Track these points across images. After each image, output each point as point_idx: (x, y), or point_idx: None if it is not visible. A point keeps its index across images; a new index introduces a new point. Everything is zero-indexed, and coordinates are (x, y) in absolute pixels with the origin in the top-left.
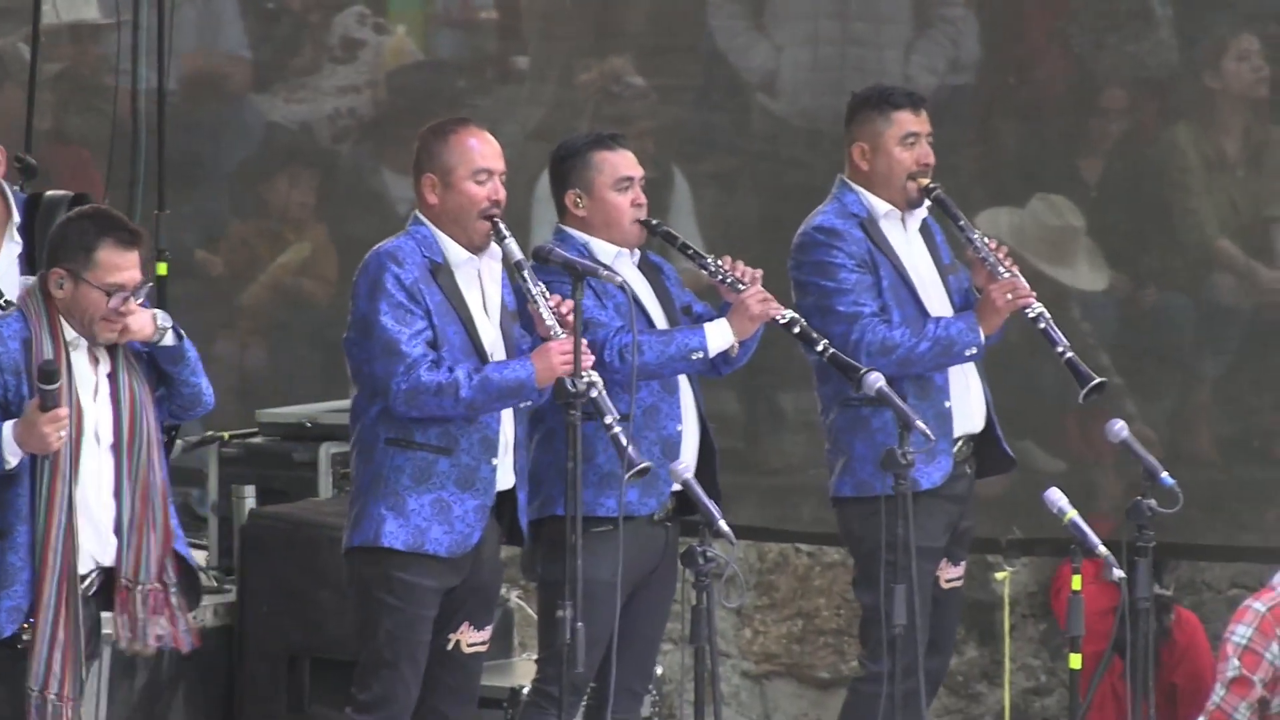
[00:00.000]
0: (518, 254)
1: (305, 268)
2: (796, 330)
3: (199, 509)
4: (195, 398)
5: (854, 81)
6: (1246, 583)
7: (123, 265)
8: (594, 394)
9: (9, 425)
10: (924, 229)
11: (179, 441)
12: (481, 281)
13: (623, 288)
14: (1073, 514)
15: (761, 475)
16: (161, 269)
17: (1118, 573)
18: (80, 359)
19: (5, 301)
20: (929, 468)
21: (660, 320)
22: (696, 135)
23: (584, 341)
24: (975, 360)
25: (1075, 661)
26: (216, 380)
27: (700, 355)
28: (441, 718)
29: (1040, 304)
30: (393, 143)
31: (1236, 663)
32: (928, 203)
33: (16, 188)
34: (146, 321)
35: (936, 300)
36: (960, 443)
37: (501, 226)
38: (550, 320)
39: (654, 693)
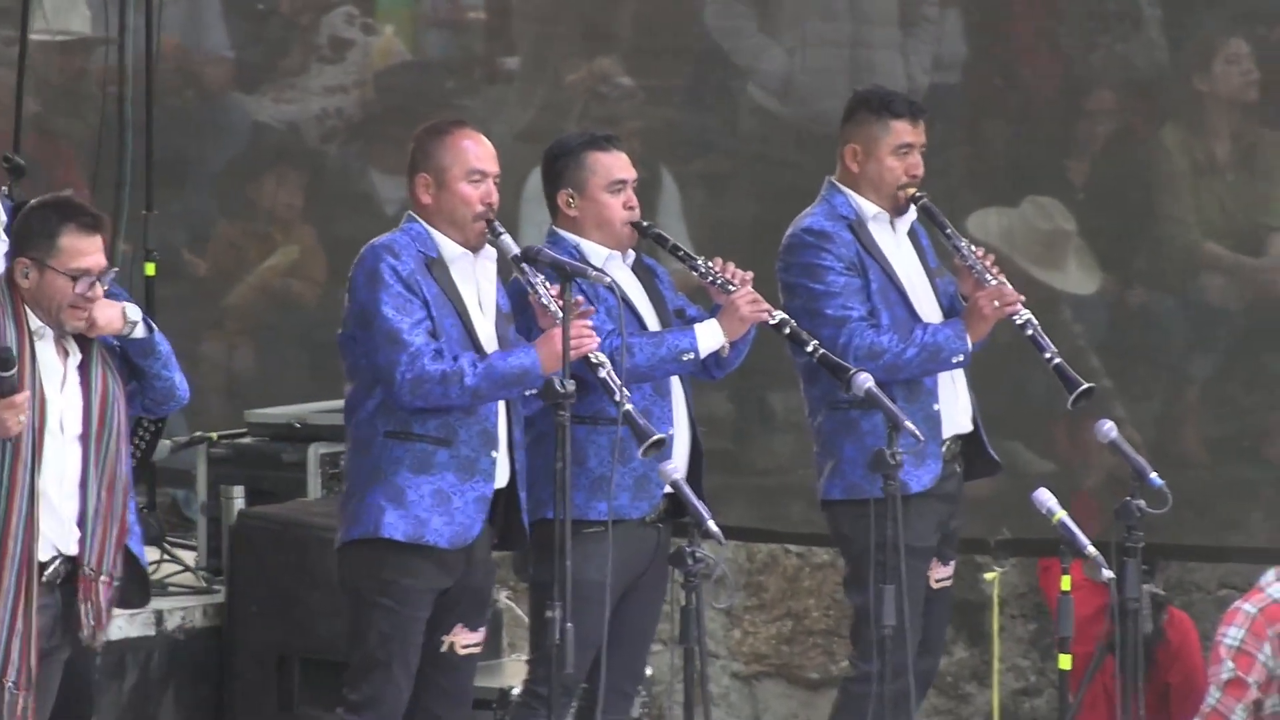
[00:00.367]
0: (514, 249)
1: (293, 268)
2: (786, 331)
3: (187, 510)
4: (168, 391)
5: (862, 84)
6: (1235, 583)
7: (86, 250)
8: (602, 374)
9: None
10: (911, 233)
11: (167, 442)
12: (476, 279)
13: (611, 288)
14: (1062, 514)
15: (751, 476)
16: (149, 269)
17: (1107, 573)
18: (46, 349)
19: None
20: (918, 470)
21: (653, 323)
22: (685, 136)
23: (589, 323)
24: (962, 366)
25: (1065, 662)
26: (204, 381)
27: (691, 356)
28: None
29: (1028, 310)
30: (381, 143)
31: (1231, 664)
32: (914, 209)
33: (4, 189)
34: (115, 315)
35: (925, 303)
36: (949, 442)
37: (496, 225)
38: (553, 308)
39: (644, 693)
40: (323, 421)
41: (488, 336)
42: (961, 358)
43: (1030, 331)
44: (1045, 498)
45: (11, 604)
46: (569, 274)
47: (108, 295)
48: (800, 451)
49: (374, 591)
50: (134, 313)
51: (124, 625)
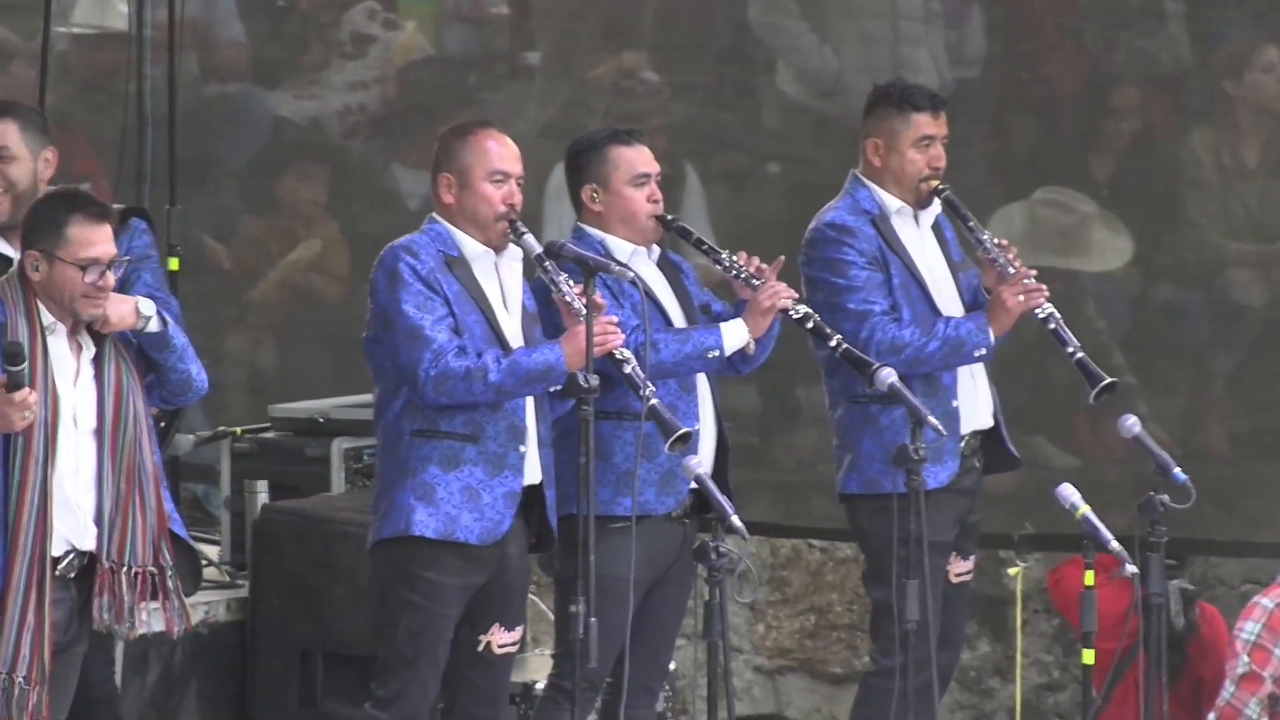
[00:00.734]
0: (537, 248)
1: (316, 263)
2: (809, 326)
3: (209, 506)
4: (185, 383)
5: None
6: (1259, 578)
7: (95, 240)
8: (627, 369)
9: None
10: (935, 226)
11: (190, 436)
12: (500, 277)
13: (634, 282)
14: (1085, 509)
15: (774, 471)
16: (173, 264)
17: (1130, 568)
18: (59, 344)
19: None
20: (936, 467)
21: (679, 319)
22: (709, 132)
23: (614, 318)
24: (984, 361)
25: (1088, 657)
26: (228, 376)
27: (716, 354)
28: (471, 719)
29: (1051, 304)
30: (403, 138)
31: (1246, 659)
32: (938, 202)
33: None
34: (129, 310)
35: (947, 298)
36: (968, 438)
37: (519, 224)
38: (577, 305)
39: (667, 688)
40: (346, 416)
41: (513, 334)
42: (984, 351)
43: (1053, 325)
44: (1068, 492)
45: (22, 599)
46: (592, 269)
47: (144, 292)
48: (823, 446)
49: (403, 588)
50: (147, 307)
51: (147, 619)
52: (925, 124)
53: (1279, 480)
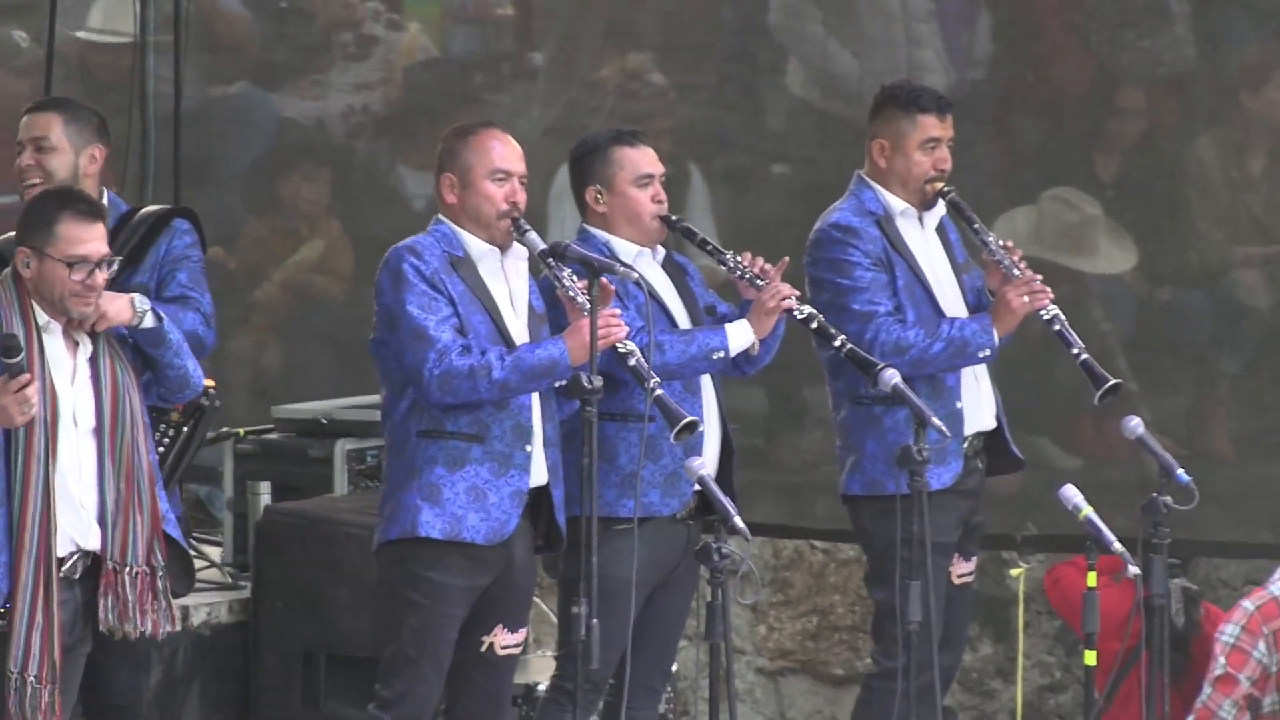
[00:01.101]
0: (540, 245)
1: (320, 264)
2: (814, 326)
3: (211, 507)
4: (182, 380)
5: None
6: (1261, 580)
7: (84, 238)
8: (631, 362)
9: None
10: (939, 227)
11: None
12: (506, 276)
13: (639, 283)
14: (1088, 510)
15: (779, 472)
16: None
17: (1133, 569)
18: (54, 342)
19: None
20: (939, 469)
21: (683, 320)
22: (713, 133)
23: (616, 311)
24: (989, 362)
25: (1090, 658)
26: (231, 377)
27: (721, 355)
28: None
29: (1055, 306)
30: (408, 139)
31: (1223, 660)
32: (942, 204)
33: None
34: (124, 305)
35: (951, 300)
36: (971, 439)
37: (522, 222)
38: (582, 300)
39: (669, 689)
40: (349, 417)
41: (519, 334)
42: (988, 353)
43: (1058, 327)
44: (1071, 494)
45: (30, 598)
46: (596, 269)
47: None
48: (827, 448)
49: (408, 588)
50: (142, 303)
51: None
52: (932, 126)
53: None
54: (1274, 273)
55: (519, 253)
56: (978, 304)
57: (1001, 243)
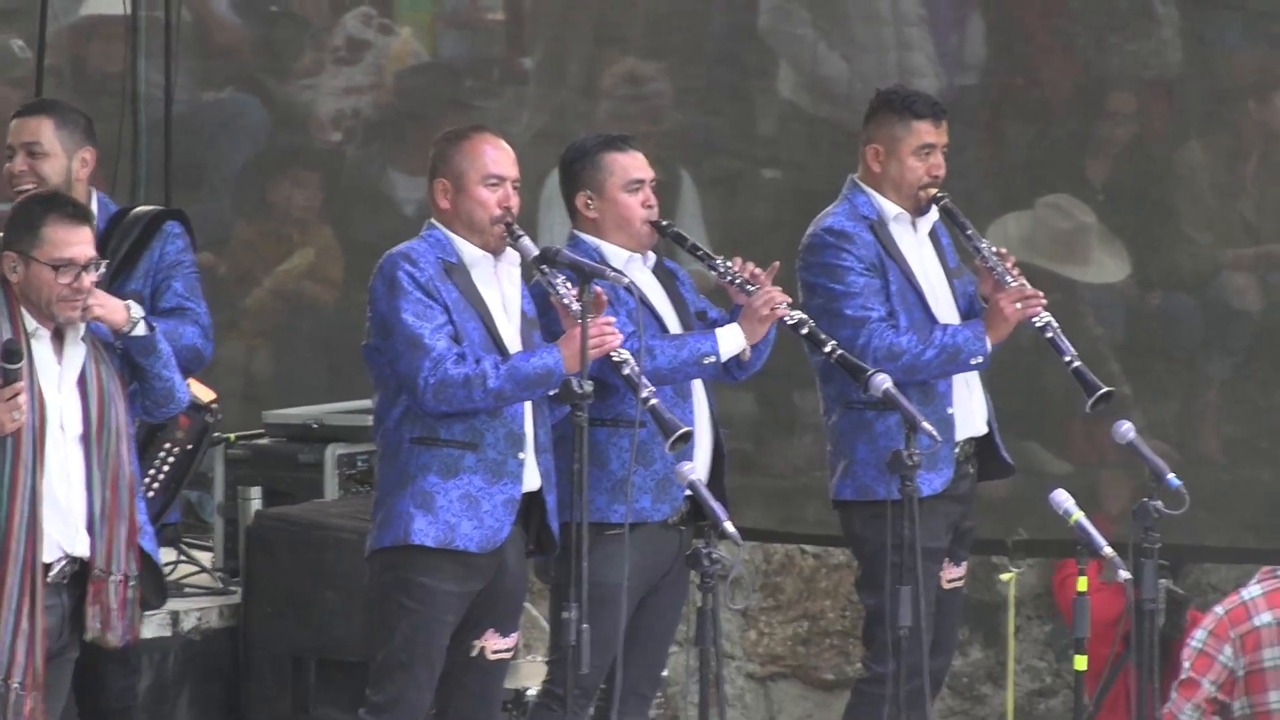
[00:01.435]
0: (534, 251)
1: (311, 270)
2: (804, 331)
3: (202, 512)
4: (168, 393)
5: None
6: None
7: (71, 240)
8: (625, 371)
9: None
10: (932, 232)
11: None
12: (500, 283)
13: (629, 289)
14: (1079, 515)
15: (769, 477)
16: None
17: (1124, 574)
18: (43, 349)
19: None
20: (930, 474)
21: (674, 325)
22: (703, 137)
23: (611, 320)
24: (981, 369)
25: (1081, 663)
26: (222, 382)
27: (712, 360)
28: None
29: (1048, 313)
30: (399, 144)
31: (1187, 665)
32: (935, 209)
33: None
34: (118, 308)
35: (944, 305)
36: (962, 445)
37: (515, 227)
38: (576, 307)
39: (659, 694)
40: (340, 422)
41: (512, 339)
42: (980, 359)
43: (1050, 334)
44: (1062, 498)
45: (16, 605)
46: (588, 275)
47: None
48: (817, 453)
49: (400, 593)
50: (137, 310)
51: (141, 626)
52: (926, 132)
53: (1272, 485)
54: (1264, 276)
55: (511, 258)
56: (969, 310)
57: (995, 249)
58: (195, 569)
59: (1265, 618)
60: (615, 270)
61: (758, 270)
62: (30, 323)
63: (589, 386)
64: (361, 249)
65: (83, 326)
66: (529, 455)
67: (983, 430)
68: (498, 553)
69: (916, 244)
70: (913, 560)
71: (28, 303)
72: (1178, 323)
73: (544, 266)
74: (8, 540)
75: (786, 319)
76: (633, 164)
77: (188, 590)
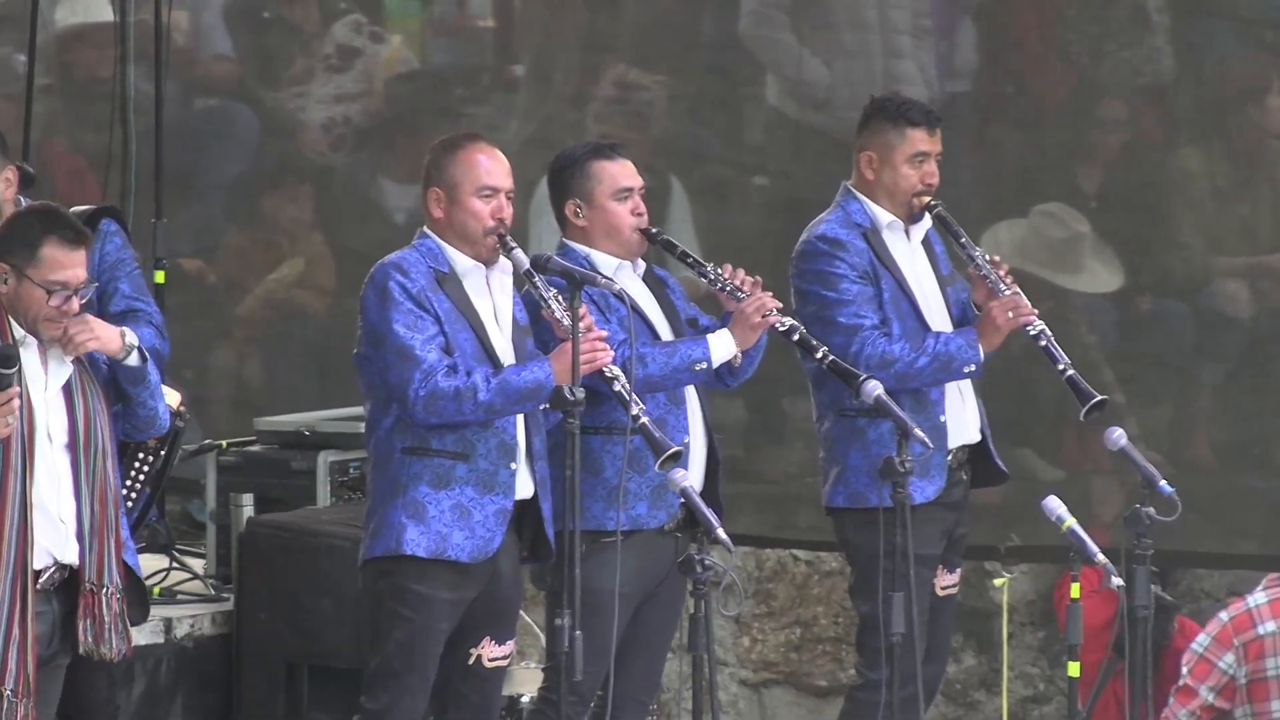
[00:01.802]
0: (526, 263)
1: (302, 278)
2: (796, 338)
3: (198, 517)
4: (151, 420)
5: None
6: (1244, 590)
7: (66, 264)
8: (617, 387)
9: None
10: (925, 240)
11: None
12: (492, 292)
13: (620, 296)
14: (1071, 522)
15: (760, 484)
16: (159, 277)
17: (1116, 580)
18: (30, 357)
19: None
20: (923, 482)
21: (665, 333)
22: (694, 145)
23: (603, 333)
24: (974, 377)
25: (1074, 670)
26: (214, 389)
27: (704, 366)
28: None
29: (1041, 322)
30: (389, 151)
31: (1185, 671)
32: (928, 216)
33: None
34: (114, 335)
35: (937, 313)
36: (955, 451)
37: (508, 239)
38: (567, 322)
39: (653, 702)
40: (332, 429)
41: (504, 349)
42: (973, 368)
43: (1044, 343)
44: (1055, 505)
45: (7, 612)
46: (579, 282)
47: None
48: (809, 460)
49: (394, 601)
50: (132, 338)
51: (133, 633)
52: (920, 140)
53: (1264, 492)
54: (1255, 282)
55: (504, 267)
56: (962, 317)
57: (989, 257)
58: (188, 576)
59: (1270, 626)
60: (606, 278)
61: (747, 277)
62: (18, 330)
63: (580, 394)
64: (352, 257)
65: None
66: (521, 465)
67: (976, 438)
68: (490, 561)
69: (910, 252)
70: (905, 567)
71: (14, 313)
72: (1169, 329)
73: (536, 278)
74: None
75: (778, 325)
76: (621, 172)
77: (180, 597)
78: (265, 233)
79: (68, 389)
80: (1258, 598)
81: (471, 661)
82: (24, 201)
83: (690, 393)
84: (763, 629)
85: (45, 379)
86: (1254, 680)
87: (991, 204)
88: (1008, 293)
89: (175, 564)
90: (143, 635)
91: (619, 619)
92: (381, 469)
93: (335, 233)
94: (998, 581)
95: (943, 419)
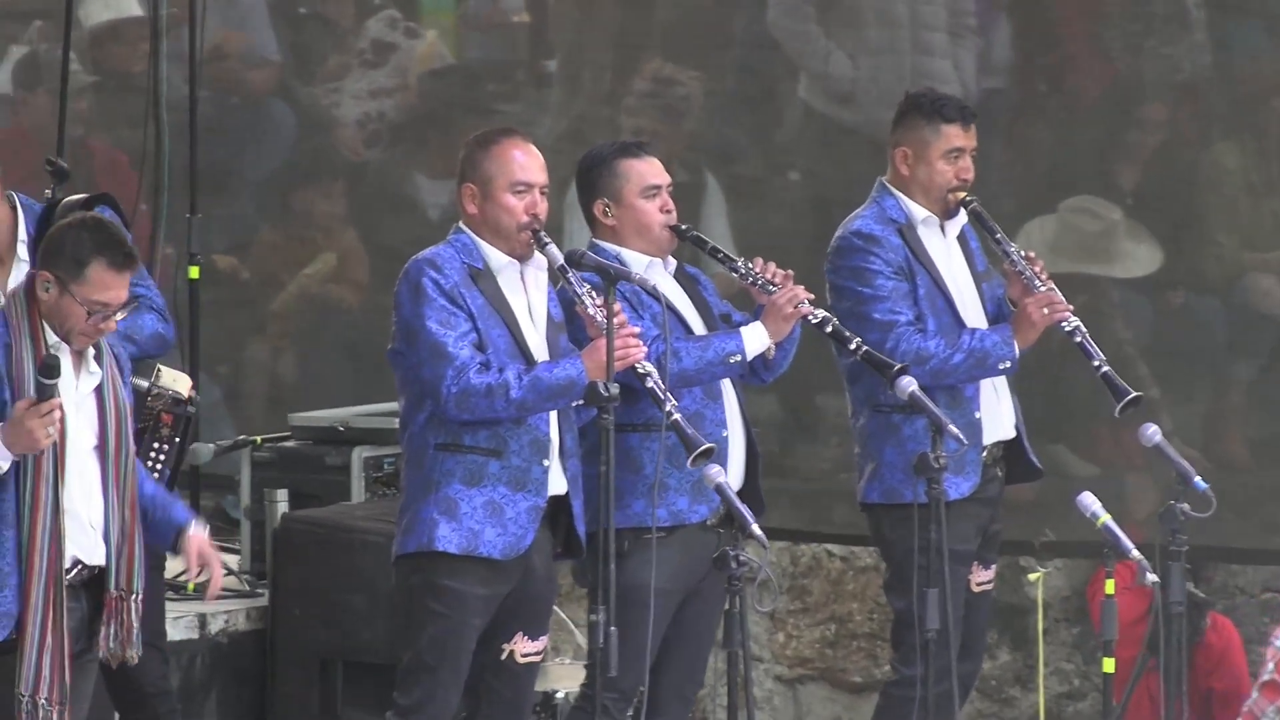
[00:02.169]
0: (560, 258)
1: (336, 273)
2: (829, 330)
3: (233, 513)
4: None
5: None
6: (1279, 586)
7: (111, 285)
8: (649, 383)
9: None
10: (960, 236)
11: (210, 445)
12: (526, 288)
13: (654, 292)
14: (1106, 518)
15: (794, 480)
16: (193, 273)
17: (1151, 577)
18: (64, 363)
19: None
20: (958, 479)
21: (699, 329)
22: (729, 141)
23: (636, 330)
24: (1009, 374)
25: (1109, 665)
26: (248, 385)
27: (738, 358)
28: None
29: (1077, 318)
30: (423, 147)
31: (1271, 666)
32: (963, 212)
33: (46, 192)
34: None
35: (972, 309)
36: (990, 448)
37: (542, 235)
38: (600, 318)
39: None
40: (366, 425)
41: (538, 346)
42: (1009, 364)
43: (1079, 339)
44: (1089, 501)
45: (40, 620)
46: (612, 278)
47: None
48: (844, 454)
49: (428, 597)
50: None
51: (169, 628)
52: (955, 136)
53: None
54: None
55: (539, 263)
56: (998, 313)
57: (1024, 253)
58: (222, 571)
59: None
60: (639, 275)
61: (779, 270)
62: (51, 336)
63: (615, 390)
64: (386, 252)
65: (103, 344)
66: (554, 462)
67: (1011, 434)
68: (523, 557)
69: (945, 247)
70: (940, 563)
71: (50, 320)
72: (1203, 325)
73: (569, 274)
74: (31, 556)
75: (810, 317)
76: (649, 170)
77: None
78: (299, 228)
79: (99, 392)
80: None
81: (504, 657)
82: (18, 199)
83: (728, 387)
84: (797, 625)
85: (76, 382)
86: None
87: (1026, 201)
88: (1043, 289)
89: None
90: (178, 631)
91: (663, 615)
92: (415, 465)
93: (369, 228)
94: (1032, 577)
95: (977, 415)
